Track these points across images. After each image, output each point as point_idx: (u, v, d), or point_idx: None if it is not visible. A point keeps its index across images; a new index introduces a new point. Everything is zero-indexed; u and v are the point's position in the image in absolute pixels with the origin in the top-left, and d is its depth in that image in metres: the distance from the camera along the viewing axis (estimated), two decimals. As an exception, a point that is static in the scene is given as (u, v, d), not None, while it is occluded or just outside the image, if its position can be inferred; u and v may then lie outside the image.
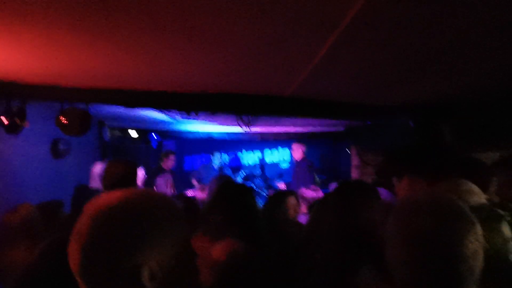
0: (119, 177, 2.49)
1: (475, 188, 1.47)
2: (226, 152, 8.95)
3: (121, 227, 0.75)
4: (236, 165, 8.37)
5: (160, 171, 6.02)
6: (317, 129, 6.11)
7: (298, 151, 5.76)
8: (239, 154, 8.75)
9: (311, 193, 4.06)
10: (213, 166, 6.42)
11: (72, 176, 4.07)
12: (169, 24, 1.73)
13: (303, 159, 5.80)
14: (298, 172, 5.71)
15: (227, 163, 8.14)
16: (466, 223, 0.95)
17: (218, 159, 6.50)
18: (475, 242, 0.93)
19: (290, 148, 9.33)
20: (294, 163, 5.97)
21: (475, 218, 0.97)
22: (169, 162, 6.12)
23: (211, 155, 6.58)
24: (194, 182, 6.08)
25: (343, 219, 1.77)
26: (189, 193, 4.89)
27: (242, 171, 7.47)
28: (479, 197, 1.41)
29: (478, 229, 0.95)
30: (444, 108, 3.59)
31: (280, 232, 2.52)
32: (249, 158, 8.99)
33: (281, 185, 6.19)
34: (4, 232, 2.16)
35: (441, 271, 0.93)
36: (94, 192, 3.32)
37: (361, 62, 2.29)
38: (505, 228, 1.24)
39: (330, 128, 5.93)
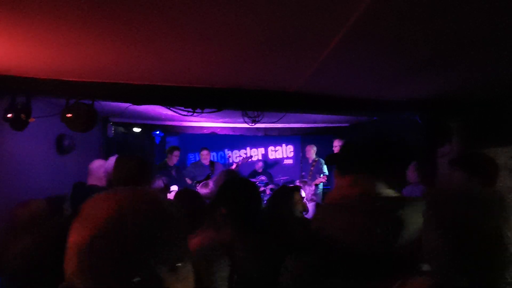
0: (129, 173, 2.48)
1: (384, 183, 1.46)
2: (230, 148, 8.96)
3: (119, 241, 0.70)
4: (225, 162, 8.43)
5: (165, 167, 6.03)
6: (322, 125, 6.10)
7: (338, 147, 5.82)
8: (227, 151, 8.83)
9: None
10: (203, 163, 6.42)
11: (76, 172, 4.07)
12: (177, 19, 1.71)
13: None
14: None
15: (218, 160, 8.15)
16: (503, 210, 1.00)
17: (207, 156, 6.51)
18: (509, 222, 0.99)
19: (294, 144, 9.34)
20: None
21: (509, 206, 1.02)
22: (174, 158, 6.13)
23: (198, 153, 6.60)
24: (188, 181, 6.08)
25: None
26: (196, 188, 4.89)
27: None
28: (390, 192, 1.42)
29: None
30: (452, 104, 3.57)
31: (286, 227, 2.52)
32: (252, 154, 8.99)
33: (322, 179, 6.17)
34: (12, 224, 2.17)
35: (481, 257, 0.97)
36: (91, 189, 3.31)
37: (369, 58, 2.27)
38: None
39: (335, 124, 5.92)
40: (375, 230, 1.25)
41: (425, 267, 1.19)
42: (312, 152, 6.40)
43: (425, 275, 1.09)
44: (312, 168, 6.42)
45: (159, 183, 4.20)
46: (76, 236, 0.71)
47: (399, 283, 1.17)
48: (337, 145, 5.84)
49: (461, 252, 0.99)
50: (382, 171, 1.44)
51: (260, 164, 8.26)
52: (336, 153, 1.58)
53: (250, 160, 8.24)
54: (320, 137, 6.70)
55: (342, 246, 1.29)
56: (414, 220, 1.21)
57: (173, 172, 6.01)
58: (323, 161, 6.32)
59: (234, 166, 6.61)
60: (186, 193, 2.78)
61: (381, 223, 1.25)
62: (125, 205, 0.73)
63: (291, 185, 3.39)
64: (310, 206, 4.10)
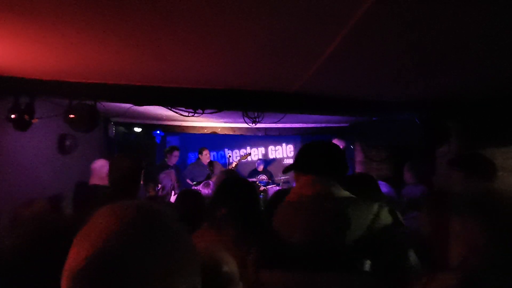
0: (125, 172, 2.50)
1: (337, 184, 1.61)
2: (231, 148, 8.98)
3: (117, 270, 0.61)
4: (225, 162, 8.45)
5: (165, 167, 6.04)
6: (321, 124, 6.12)
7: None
8: (227, 151, 8.86)
9: None
10: (202, 163, 6.43)
11: (78, 172, 4.10)
12: (178, 20, 1.73)
13: None
14: None
15: (218, 159, 8.16)
16: None
17: (206, 156, 6.52)
18: None
19: (294, 144, 9.35)
20: None
21: None
22: (173, 158, 6.14)
23: (198, 153, 6.60)
24: (188, 181, 6.10)
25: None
26: (196, 188, 4.92)
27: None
28: (342, 192, 1.55)
29: None
30: (450, 105, 3.59)
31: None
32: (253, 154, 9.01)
33: None
34: (13, 224, 2.18)
35: None
36: (93, 189, 3.34)
37: (368, 59, 2.30)
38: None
39: (334, 124, 5.94)
40: (326, 228, 1.34)
41: (367, 265, 1.27)
42: None
43: (453, 271, 1.14)
44: None
45: (167, 182, 4.23)
46: (72, 258, 0.63)
47: (426, 278, 1.21)
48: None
49: (499, 249, 1.07)
50: (336, 173, 1.58)
51: (260, 163, 8.28)
52: (295, 158, 1.72)
53: (249, 156, 8.25)
54: (320, 137, 6.73)
55: (298, 242, 1.38)
56: (362, 218, 1.32)
57: (173, 172, 6.03)
58: None
59: (233, 165, 6.62)
60: (187, 193, 2.80)
61: (331, 221, 1.34)
62: (127, 225, 0.65)
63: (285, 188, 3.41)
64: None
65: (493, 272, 1.05)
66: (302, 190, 1.52)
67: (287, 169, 1.83)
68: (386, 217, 1.39)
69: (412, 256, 1.31)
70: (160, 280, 0.62)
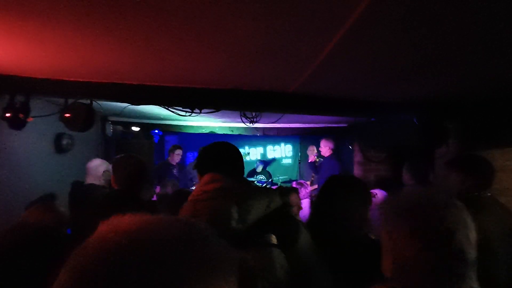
0: (130, 172, 2.51)
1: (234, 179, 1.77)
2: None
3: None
4: None
5: (168, 165, 6.05)
6: (320, 125, 6.11)
7: (326, 148, 5.82)
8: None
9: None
10: None
11: (75, 171, 4.08)
12: (175, 20, 1.72)
13: (331, 156, 5.86)
14: (326, 169, 5.77)
15: None
16: (467, 216, 1.06)
17: None
18: (472, 232, 1.04)
19: (292, 144, 9.34)
20: (324, 159, 6.05)
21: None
22: (176, 157, 6.15)
23: (198, 152, 6.59)
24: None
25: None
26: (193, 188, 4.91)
27: None
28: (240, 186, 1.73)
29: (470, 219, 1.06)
30: (449, 106, 3.58)
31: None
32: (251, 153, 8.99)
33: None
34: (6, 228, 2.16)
35: (450, 259, 1.00)
36: (89, 188, 3.33)
37: (367, 59, 2.28)
38: None
39: (333, 124, 5.93)
40: (228, 215, 1.49)
41: (273, 239, 1.45)
42: (327, 148, 6.20)
43: (388, 282, 1.10)
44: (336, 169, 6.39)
45: (169, 189, 4.22)
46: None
47: None
48: (324, 145, 5.84)
49: (424, 260, 1.00)
50: (232, 170, 1.77)
51: (259, 164, 8.27)
52: (196, 158, 1.91)
53: (248, 156, 8.23)
54: (319, 137, 6.72)
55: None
56: (258, 207, 1.53)
57: (175, 171, 6.02)
58: None
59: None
60: (182, 193, 2.78)
61: (233, 210, 1.50)
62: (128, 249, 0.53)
63: (288, 187, 3.41)
64: (306, 202, 4.12)
65: (425, 282, 1.00)
66: (204, 187, 1.66)
67: (192, 167, 2.01)
68: (277, 202, 1.61)
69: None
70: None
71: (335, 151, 5.97)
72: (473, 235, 1.04)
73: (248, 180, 2.56)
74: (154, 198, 4.61)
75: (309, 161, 6.61)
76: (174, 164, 6.14)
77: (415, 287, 1.01)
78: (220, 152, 1.85)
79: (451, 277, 0.99)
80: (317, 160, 6.40)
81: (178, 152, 6.22)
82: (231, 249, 0.61)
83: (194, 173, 6.22)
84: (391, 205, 1.14)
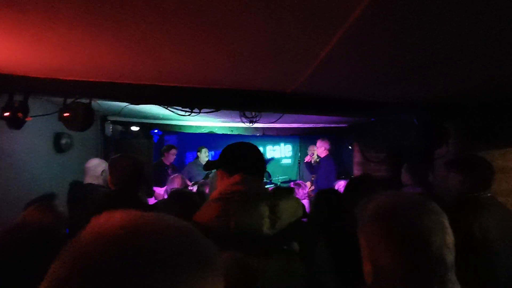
0: (127, 172, 2.51)
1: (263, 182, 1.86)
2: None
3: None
4: None
5: (161, 165, 6.01)
6: (320, 125, 6.11)
7: (321, 148, 5.82)
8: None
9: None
10: (200, 163, 6.41)
11: (74, 171, 4.08)
12: (175, 19, 1.72)
13: (327, 156, 5.85)
14: (323, 170, 5.76)
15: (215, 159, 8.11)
16: (444, 219, 1.05)
17: (205, 155, 6.49)
18: (449, 234, 1.04)
19: (292, 144, 9.34)
20: (318, 160, 6.04)
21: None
22: (171, 157, 6.11)
23: (197, 152, 6.57)
24: (187, 181, 6.07)
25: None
26: (191, 188, 4.90)
27: None
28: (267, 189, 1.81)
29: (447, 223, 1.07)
30: (449, 106, 3.58)
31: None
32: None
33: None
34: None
35: (429, 263, 0.99)
36: (88, 188, 3.33)
37: (367, 59, 2.28)
38: None
39: (333, 124, 5.93)
40: (261, 220, 1.48)
41: (296, 246, 1.48)
42: (323, 149, 6.25)
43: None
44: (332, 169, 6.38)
45: (178, 181, 4.20)
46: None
47: None
48: (320, 146, 5.84)
49: (402, 266, 0.99)
50: (260, 172, 1.78)
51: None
52: (219, 157, 1.87)
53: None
54: (319, 137, 6.72)
55: (232, 231, 1.50)
56: (288, 211, 1.54)
57: (169, 171, 6.01)
58: None
59: None
60: (179, 193, 2.78)
61: (265, 215, 1.50)
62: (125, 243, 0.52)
63: (284, 187, 3.41)
64: (305, 203, 4.12)
65: None
66: (234, 188, 1.64)
67: (209, 166, 1.99)
68: (300, 210, 1.64)
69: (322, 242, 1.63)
70: None
71: (332, 151, 5.97)
72: (450, 237, 1.03)
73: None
74: (153, 199, 4.60)
75: (305, 161, 6.60)
76: (168, 164, 6.11)
77: None
78: (251, 153, 1.83)
79: (431, 281, 0.98)
80: (317, 159, 6.40)
81: (174, 152, 6.19)
82: (218, 249, 0.61)
83: (193, 172, 6.22)
84: (368, 210, 1.13)
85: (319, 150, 5.90)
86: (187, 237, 0.58)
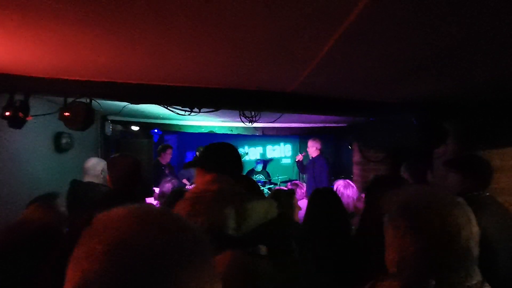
0: (125, 172, 2.52)
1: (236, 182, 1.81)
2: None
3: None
4: None
5: (158, 165, 6.00)
6: (319, 125, 6.11)
7: (312, 148, 5.81)
8: None
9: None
10: None
11: (74, 170, 4.09)
12: (174, 19, 1.72)
13: (318, 156, 5.83)
14: (314, 170, 5.75)
15: None
16: (470, 213, 1.09)
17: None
18: (475, 227, 1.07)
19: (292, 143, 9.34)
20: (310, 160, 6.02)
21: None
22: (167, 156, 6.10)
23: (196, 151, 6.57)
24: (185, 181, 6.07)
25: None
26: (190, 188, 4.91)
27: None
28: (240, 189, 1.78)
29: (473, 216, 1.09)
30: (448, 106, 3.58)
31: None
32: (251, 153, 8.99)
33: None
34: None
35: (451, 256, 1.02)
36: (89, 186, 3.33)
37: (366, 59, 2.28)
38: None
39: (332, 124, 5.94)
40: (226, 221, 1.50)
41: (263, 250, 1.44)
42: (314, 148, 6.20)
43: (393, 278, 1.12)
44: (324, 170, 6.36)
45: (168, 186, 4.22)
46: (72, 269, 0.56)
47: (369, 285, 1.21)
48: (311, 145, 5.83)
49: (430, 256, 1.03)
50: (235, 172, 1.79)
51: (258, 163, 8.28)
52: (199, 155, 1.88)
53: (247, 156, 8.21)
54: (318, 136, 6.72)
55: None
56: (255, 216, 1.54)
57: (166, 171, 6.01)
58: None
59: None
60: (178, 193, 2.79)
61: (231, 217, 1.51)
62: (139, 230, 0.58)
63: (286, 189, 3.39)
64: (303, 203, 4.11)
65: (429, 281, 1.02)
66: (207, 186, 1.66)
67: (188, 165, 2.04)
68: (273, 212, 1.63)
69: (293, 244, 1.64)
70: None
71: (323, 150, 5.96)
72: (476, 231, 1.06)
73: (251, 178, 2.57)
74: (152, 199, 4.60)
75: (296, 160, 6.56)
76: (165, 164, 6.11)
77: (420, 282, 1.03)
78: (226, 153, 1.86)
79: (458, 272, 1.02)
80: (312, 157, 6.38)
81: (170, 151, 6.19)
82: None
83: (192, 172, 6.21)
84: (396, 202, 1.16)
85: (310, 150, 5.87)
86: (197, 230, 0.64)
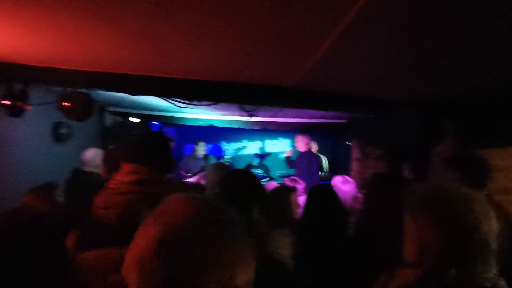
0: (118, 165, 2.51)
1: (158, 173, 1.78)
2: (227, 141, 8.97)
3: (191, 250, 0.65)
4: (219, 155, 8.42)
5: None
6: (319, 120, 6.09)
7: (301, 143, 5.70)
8: (223, 144, 8.88)
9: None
10: (197, 156, 6.40)
11: (73, 161, 4.08)
12: (176, 11, 1.71)
13: (307, 151, 5.76)
14: (302, 165, 5.66)
15: (211, 152, 8.13)
16: (490, 209, 1.13)
17: (202, 149, 6.48)
18: (494, 222, 1.12)
19: (291, 138, 9.33)
20: (298, 155, 5.92)
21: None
22: None
23: (195, 145, 6.57)
24: (183, 173, 6.06)
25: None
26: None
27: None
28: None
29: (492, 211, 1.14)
30: (448, 104, 3.58)
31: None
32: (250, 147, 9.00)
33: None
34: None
35: (476, 248, 1.07)
36: (90, 175, 3.33)
37: (367, 55, 2.28)
38: None
39: (332, 120, 5.92)
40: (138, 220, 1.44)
41: None
42: (314, 148, 6.16)
43: (411, 267, 1.15)
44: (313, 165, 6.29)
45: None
46: (141, 239, 0.68)
47: (386, 274, 1.23)
48: (299, 140, 5.71)
49: (450, 247, 1.08)
50: (159, 164, 1.73)
51: (257, 157, 8.27)
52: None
53: (245, 150, 8.21)
54: (317, 132, 6.70)
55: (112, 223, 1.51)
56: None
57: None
58: (322, 158, 6.24)
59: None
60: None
61: (143, 215, 1.44)
62: (199, 214, 0.70)
63: (285, 185, 3.34)
64: (302, 199, 4.09)
65: (448, 270, 1.06)
66: (121, 178, 1.62)
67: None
68: None
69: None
70: (223, 269, 0.65)
71: (310, 146, 5.88)
72: (496, 226, 1.11)
73: (251, 172, 2.48)
74: None
75: (285, 155, 6.45)
76: None
77: (440, 271, 1.08)
78: (149, 144, 1.77)
79: (475, 263, 1.06)
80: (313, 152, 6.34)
81: (170, 144, 6.16)
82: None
83: (190, 165, 6.22)
84: (419, 195, 1.21)
85: (298, 144, 5.73)
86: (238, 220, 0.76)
